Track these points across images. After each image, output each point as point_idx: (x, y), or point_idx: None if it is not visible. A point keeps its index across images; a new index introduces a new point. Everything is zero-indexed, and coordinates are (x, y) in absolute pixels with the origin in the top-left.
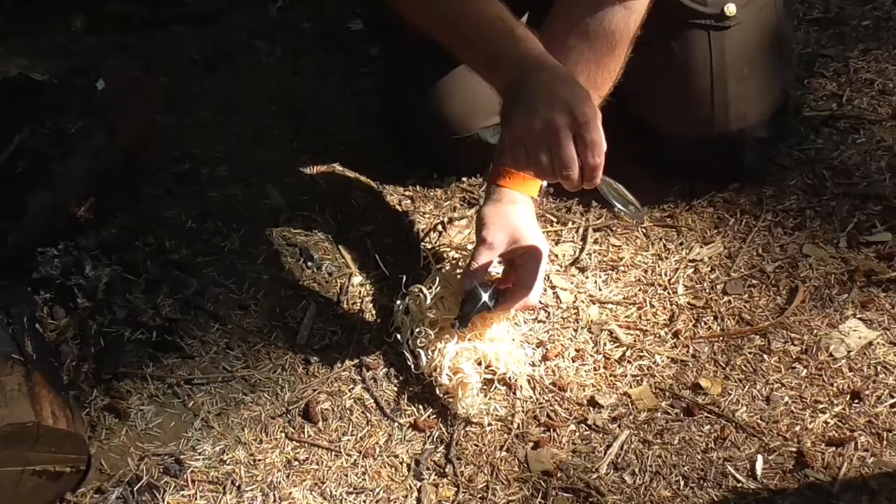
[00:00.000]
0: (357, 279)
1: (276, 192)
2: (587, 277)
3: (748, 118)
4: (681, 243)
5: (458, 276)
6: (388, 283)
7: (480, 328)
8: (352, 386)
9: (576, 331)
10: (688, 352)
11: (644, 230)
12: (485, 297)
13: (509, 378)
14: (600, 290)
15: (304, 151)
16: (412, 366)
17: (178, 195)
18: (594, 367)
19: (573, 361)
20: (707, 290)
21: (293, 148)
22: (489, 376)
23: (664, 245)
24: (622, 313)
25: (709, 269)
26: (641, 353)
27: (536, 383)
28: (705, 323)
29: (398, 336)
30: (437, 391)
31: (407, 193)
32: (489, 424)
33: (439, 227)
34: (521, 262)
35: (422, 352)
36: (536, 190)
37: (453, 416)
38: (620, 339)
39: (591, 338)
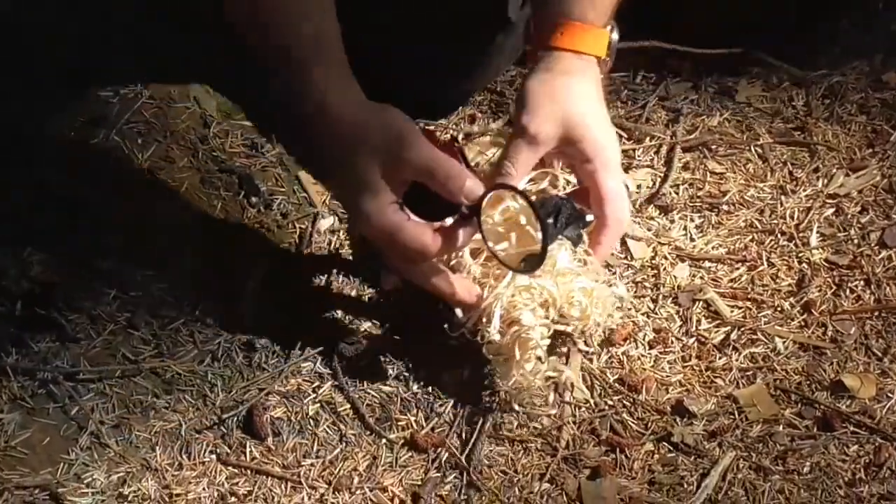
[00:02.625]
0: (325, 222)
1: (203, 90)
2: (673, 221)
3: None
4: (815, 169)
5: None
6: None
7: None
8: (317, 383)
9: (655, 301)
10: (825, 334)
11: (759, 149)
12: (565, 223)
13: (590, 335)
14: (692, 240)
15: None
16: (448, 325)
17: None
18: (682, 357)
19: (650, 347)
20: (855, 242)
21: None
22: (562, 327)
23: (789, 172)
24: (725, 275)
25: (858, 208)
26: (754, 336)
27: (595, 379)
28: (852, 290)
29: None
30: (472, 359)
31: None
32: (522, 442)
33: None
34: (584, 171)
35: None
36: (605, 45)
37: (500, 396)
38: (722, 314)
39: (677, 312)
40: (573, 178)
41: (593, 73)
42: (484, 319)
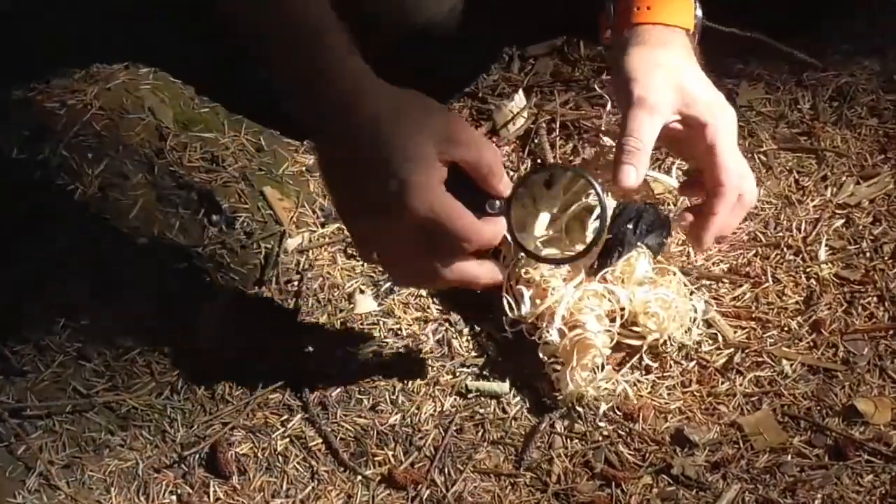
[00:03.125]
0: (293, 241)
1: (157, 98)
2: (671, 236)
3: None
4: (823, 177)
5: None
6: (348, 245)
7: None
8: (286, 416)
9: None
10: (835, 355)
11: (763, 156)
12: (647, 229)
13: (666, 349)
14: (692, 253)
15: None
16: (508, 311)
17: None
18: (682, 382)
19: (647, 372)
20: (867, 255)
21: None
22: (634, 341)
23: (795, 181)
24: (727, 293)
25: (870, 219)
26: (759, 359)
27: (588, 408)
28: (864, 308)
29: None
30: (517, 360)
31: None
32: (510, 476)
33: None
34: (702, 138)
35: (524, 291)
36: (691, 17)
37: (557, 403)
38: (725, 334)
39: (676, 333)
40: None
41: (686, 43)
42: (545, 320)
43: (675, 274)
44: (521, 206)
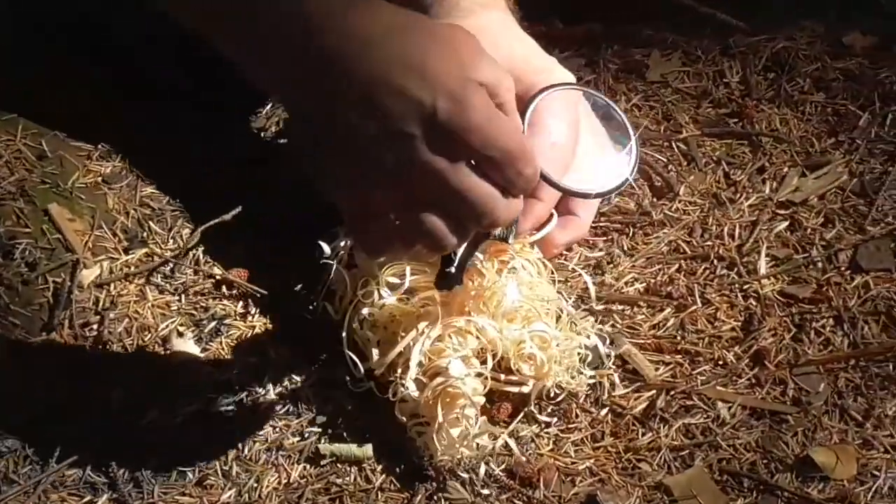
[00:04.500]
0: (90, 273)
1: None
2: (570, 249)
3: None
4: (759, 169)
5: None
6: (172, 276)
7: (482, 286)
8: (89, 498)
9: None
10: (784, 394)
11: (682, 144)
12: None
13: (554, 393)
14: (599, 273)
15: None
16: (352, 368)
17: None
18: (592, 435)
19: (547, 425)
20: (819, 266)
21: None
22: (513, 388)
23: (725, 174)
24: (645, 320)
25: (820, 219)
26: (688, 402)
27: (473, 472)
28: (818, 333)
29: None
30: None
31: None
32: None
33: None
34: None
35: (371, 335)
36: None
37: (427, 468)
38: (643, 372)
39: (563, 377)
40: None
41: (500, 5)
42: (399, 370)
43: (559, 295)
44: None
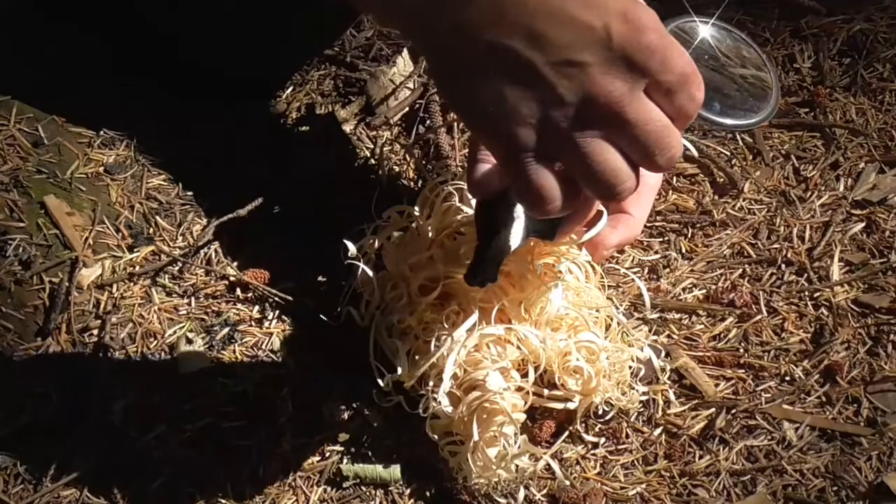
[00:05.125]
0: (90, 272)
1: None
2: (622, 251)
3: None
4: (833, 164)
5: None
6: (180, 276)
7: (523, 287)
8: None
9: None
10: (857, 414)
11: (748, 137)
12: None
13: (603, 410)
14: (657, 276)
15: None
16: (379, 379)
17: None
18: (644, 458)
19: (595, 446)
20: None
21: None
22: (557, 404)
23: (794, 170)
24: (704, 331)
25: None
26: (751, 421)
27: (512, 497)
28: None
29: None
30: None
31: None
32: None
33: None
34: None
35: (400, 344)
36: None
37: (461, 492)
38: (702, 388)
39: (613, 393)
40: None
41: None
42: (431, 383)
43: (609, 302)
44: None
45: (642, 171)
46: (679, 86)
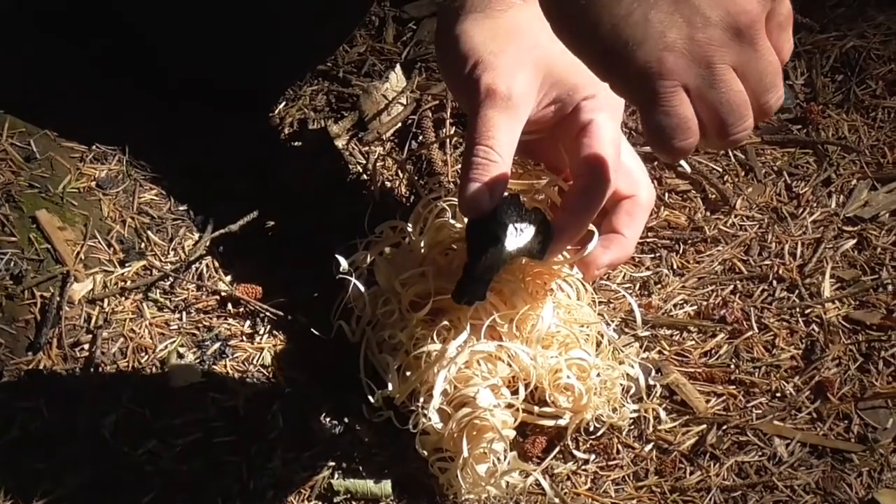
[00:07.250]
0: (82, 287)
1: None
2: (614, 267)
3: None
4: (825, 181)
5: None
6: (172, 291)
7: (512, 305)
8: None
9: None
10: (848, 430)
11: (740, 153)
12: (517, 230)
13: (593, 427)
14: (646, 294)
15: None
16: (369, 395)
17: None
18: (635, 473)
19: (587, 459)
20: (890, 289)
21: None
22: (547, 421)
23: (787, 186)
24: (695, 346)
25: (892, 238)
26: (742, 437)
27: None
28: (887, 363)
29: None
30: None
31: None
32: None
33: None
34: (576, 121)
35: (390, 360)
36: None
37: None
38: (693, 405)
39: (603, 410)
40: None
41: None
42: (421, 398)
43: (601, 318)
44: None
45: (634, 190)
46: (787, 22)
